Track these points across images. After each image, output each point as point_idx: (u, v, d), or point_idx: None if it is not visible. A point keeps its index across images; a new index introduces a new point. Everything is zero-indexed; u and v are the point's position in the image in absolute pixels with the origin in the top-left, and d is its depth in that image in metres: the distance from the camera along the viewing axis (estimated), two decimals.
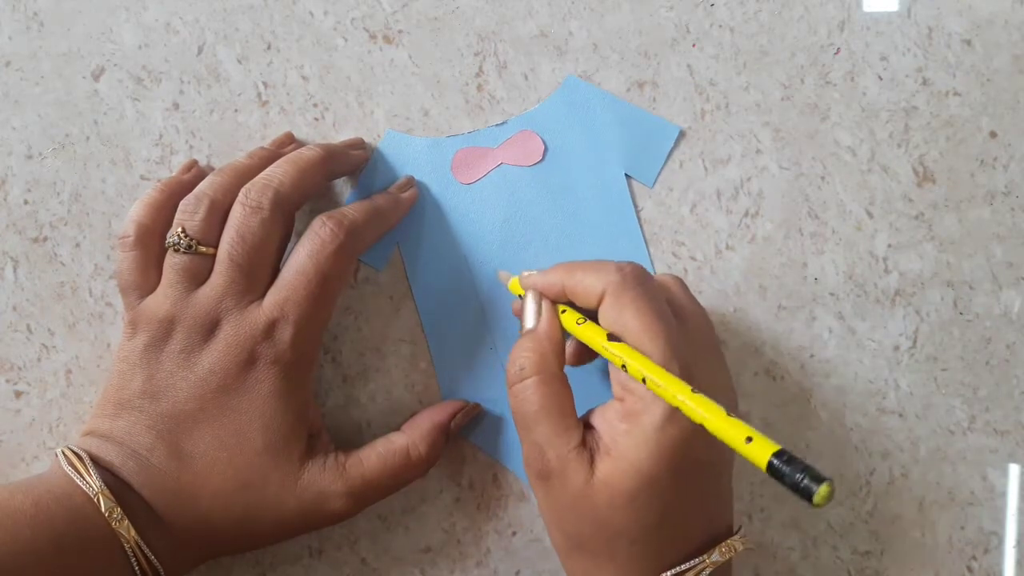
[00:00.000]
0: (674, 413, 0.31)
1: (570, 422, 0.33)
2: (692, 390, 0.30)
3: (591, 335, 0.34)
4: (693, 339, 0.34)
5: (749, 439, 0.28)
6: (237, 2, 0.41)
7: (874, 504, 0.41)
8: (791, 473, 0.26)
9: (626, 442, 0.32)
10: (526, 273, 0.36)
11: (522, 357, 0.34)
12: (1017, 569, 0.41)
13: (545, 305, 0.35)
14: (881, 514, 0.41)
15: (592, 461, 0.32)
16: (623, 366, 0.32)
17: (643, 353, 0.31)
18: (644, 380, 0.31)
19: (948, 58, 0.41)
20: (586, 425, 0.34)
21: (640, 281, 0.33)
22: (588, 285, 0.33)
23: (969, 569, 0.41)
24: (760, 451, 0.27)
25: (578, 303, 0.34)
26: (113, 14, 0.41)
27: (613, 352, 0.33)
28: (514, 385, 0.34)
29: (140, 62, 0.41)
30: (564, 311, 0.35)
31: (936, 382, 0.41)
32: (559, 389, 0.33)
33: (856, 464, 0.41)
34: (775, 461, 0.27)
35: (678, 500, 0.32)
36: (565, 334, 0.35)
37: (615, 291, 0.32)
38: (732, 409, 0.34)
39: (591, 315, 0.34)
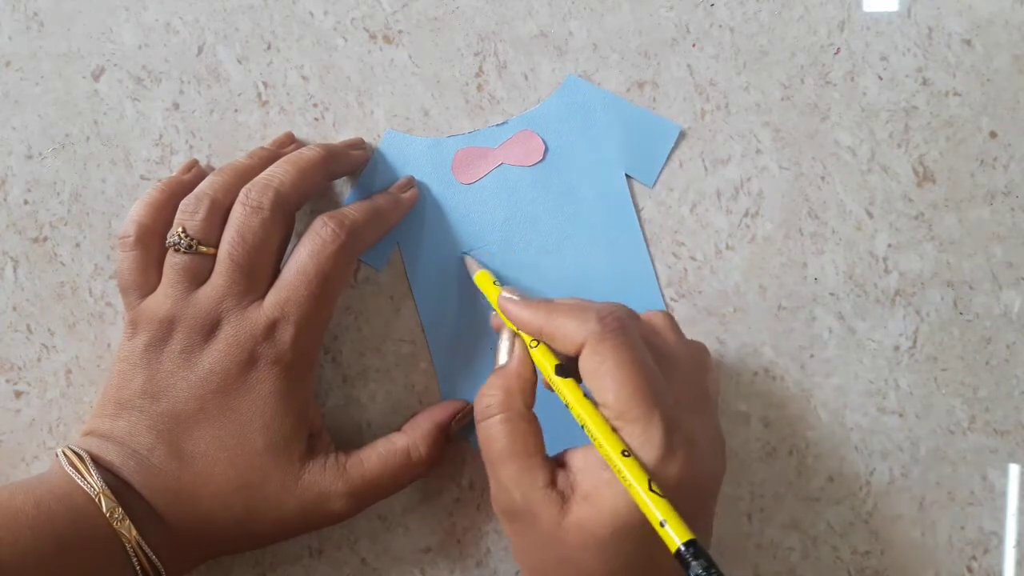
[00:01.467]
0: (664, 466, 0.30)
1: (536, 461, 0.32)
2: (623, 452, 0.30)
3: (540, 361, 0.33)
4: (679, 388, 0.33)
5: (663, 523, 0.28)
6: (237, 2, 0.41)
7: (874, 504, 0.41)
8: (695, 566, 0.27)
9: (608, 491, 0.30)
10: (505, 295, 0.35)
11: (489, 395, 0.33)
12: (1017, 569, 0.41)
13: (518, 344, 0.34)
14: (881, 514, 0.41)
15: (563, 502, 0.31)
16: (567, 405, 0.32)
17: (622, 407, 0.31)
18: (583, 426, 0.31)
19: (948, 58, 0.41)
20: (560, 463, 0.33)
21: (621, 330, 0.32)
22: (567, 333, 0.32)
23: (969, 569, 0.41)
24: (673, 536, 0.28)
25: (557, 348, 0.33)
26: (113, 14, 0.41)
27: (559, 388, 0.32)
28: (480, 422, 0.33)
29: (140, 62, 0.41)
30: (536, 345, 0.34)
31: (936, 382, 0.41)
32: (525, 428, 0.33)
33: (856, 464, 0.41)
34: (683, 549, 0.28)
35: (650, 548, 0.31)
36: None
37: (594, 342, 0.31)
38: (717, 462, 0.33)
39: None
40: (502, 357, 0.35)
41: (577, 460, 0.32)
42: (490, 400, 0.33)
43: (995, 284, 0.41)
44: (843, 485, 0.41)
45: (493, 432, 0.33)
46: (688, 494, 0.30)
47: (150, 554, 0.33)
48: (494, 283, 0.38)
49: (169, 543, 0.34)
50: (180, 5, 0.41)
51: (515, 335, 0.35)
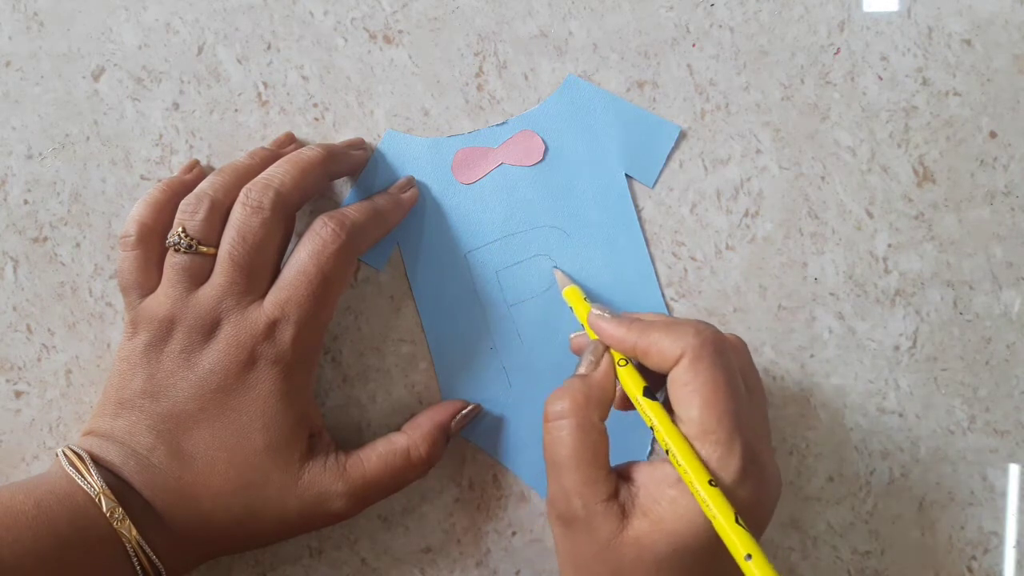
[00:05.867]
0: (735, 491, 0.31)
1: (602, 473, 0.32)
2: (709, 481, 0.30)
3: (628, 382, 0.33)
4: (756, 411, 0.33)
5: (749, 556, 0.28)
6: (237, 2, 0.41)
7: (874, 504, 0.41)
8: None
9: (671, 509, 0.31)
10: (596, 312, 0.35)
11: (566, 396, 0.33)
12: (1017, 569, 0.41)
13: (606, 358, 0.34)
14: (881, 514, 0.41)
15: (623, 516, 0.31)
16: (651, 428, 0.32)
17: (706, 426, 0.31)
18: (667, 451, 0.31)
19: (948, 58, 0.41)
20: (623, 475, 0.33)
21: (718, 348, 0.32)
22: (663, 348, 0.32)
23: (969, 569, 0.41)
24: (757, 571, 0.28)
25: (649, 364, 0.33)
26: (113, 14, 0.41)
27: (645, 410, 0.32)
28: (550, 422, 0.33)
29: (140, 62, 0.41)
30: (622, 362, 0.34)
31: (936, 382, 0.41)
32: (596, 438, 0.32)
33: (856, 464, 0.41)
34: None
35: (706, 567, 0.31)
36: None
37: (693, 355, 0.31)
38: (777, 487, 0.33)
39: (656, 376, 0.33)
40: (583, 368, 0.34)
41: (642, 475, 0.32)
42: (564, 403, 0.33)
43: (995, 284, 0.41)
44: (843, 485, 0.41)
45: (563, 435, 0.32)
46: (750, 517, 0.31)
47: (150, 554, 0.33)
48: (584, 299, 0.38)
49: (169, 543, 0.34)
50: (180, 5, 0.41)
51: (604, 350, 0.35)
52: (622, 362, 0.34)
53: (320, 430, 0.38)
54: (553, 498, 0.33)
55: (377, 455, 0.37)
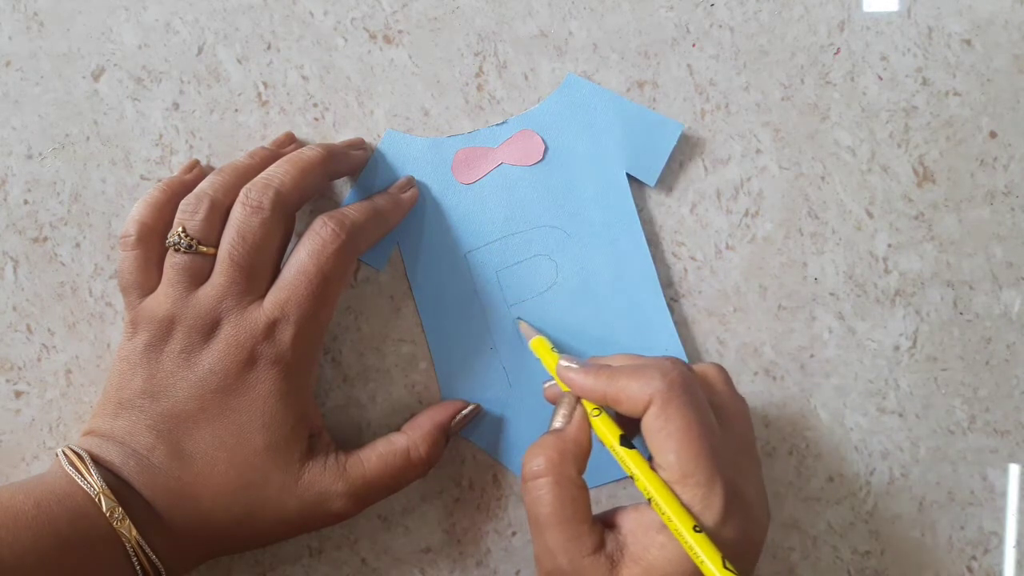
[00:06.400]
0: (720, 531, 0.31)
1: (584, 527, 0.32)
2: (694, 527, 0.30)
3: (603, 431, 0.33)
4: (734, 445, 0.33)
5: None
6: (237, 2, 0.41)
7: (874, 504, 0.41)
8: None
9: (661, 555, 0.31)
10: (564, 363, 0.35)
11: (541, 455, 0.33)
12: (1017, 569, 0.41)
13: (579, 411, 0.34)
14: (881, 514, 0.41)
15: (612, 566, 0.31)
16: (631, 476, 0.32)
17: (684, 470, 0.31)
18: (649, 500, 0.31)
19: (948, 58, 0.41)
20: (608, 523, 0.33)
21: (686, 388, 0.32)
22: (632, 394, 0.32)
23: (969, 569, 0.41)
24: None
25: (621, 411, 0.33)
26: (113, 14, 0.41)
27: (624, 459, 0.32)
28: (528, 481, 0.33)
29: (140, 62, 0.41)
30: (598, 413, 0.34)
31: (936, 382, 0.41)
32: (575, 493, 0.33)
33: (856, 464, 0.41)
34: None
35: None
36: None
37: (662, 400, 0.31)
38: (765, 519, 0.33)
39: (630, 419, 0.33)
40: (558, 422, 0.35)
41: (628, 522, 0.33)
42: (540, 461, 0.33)
43: (995, 284, 0.41)
44: (843, 485, 0.41)
45: (541, 494, 0.32)
46: (738, 554, 0.31)
47: (150, 554, 0.33)
48: (551, 350, 0.37)
49: (169, 543, 0.34)
50: (180, 5, 0.41)
51: (576, 401, 0.35)
52: (596, 412, 0.34)
53: (320, 430, 0.38)
54: (539, 556, 0.33)
55: (377, 455, 0.37)
